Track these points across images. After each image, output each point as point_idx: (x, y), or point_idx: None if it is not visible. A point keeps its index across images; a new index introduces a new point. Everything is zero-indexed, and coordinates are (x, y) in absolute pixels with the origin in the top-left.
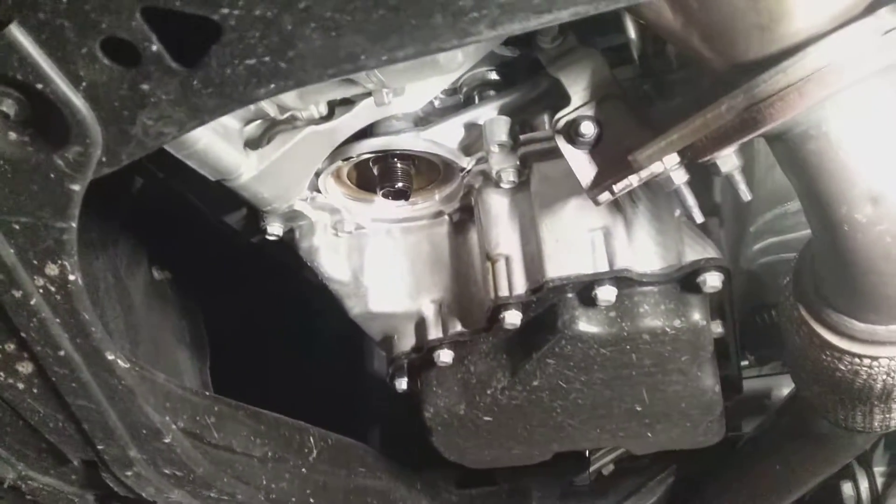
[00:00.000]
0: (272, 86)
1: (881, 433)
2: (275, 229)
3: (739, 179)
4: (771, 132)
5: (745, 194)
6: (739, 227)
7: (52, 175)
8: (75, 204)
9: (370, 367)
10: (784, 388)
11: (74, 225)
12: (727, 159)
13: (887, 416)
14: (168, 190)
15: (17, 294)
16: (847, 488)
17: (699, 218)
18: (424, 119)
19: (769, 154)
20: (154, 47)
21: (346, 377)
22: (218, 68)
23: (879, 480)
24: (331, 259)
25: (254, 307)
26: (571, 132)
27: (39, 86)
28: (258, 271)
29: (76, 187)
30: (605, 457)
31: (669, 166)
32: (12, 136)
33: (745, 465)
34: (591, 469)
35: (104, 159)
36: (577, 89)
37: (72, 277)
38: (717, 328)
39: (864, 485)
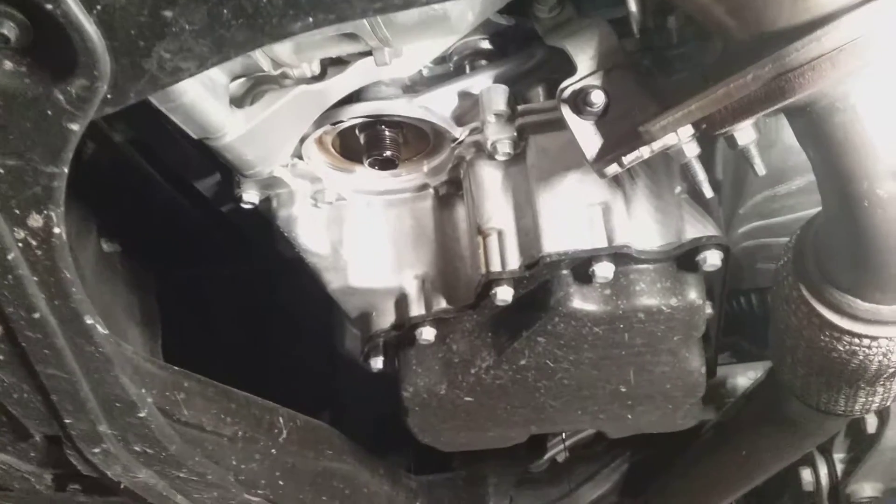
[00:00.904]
0: (310, 19)
1: (859, 416)
2: (251, 197)
3: (755, 153)
4: (795, 104)
5: (760, 168)
6: (730, 209)
7: (50, 111)
8: (71, 146)
9: (330, 347)
10: (738, 377)
11: (66, 170)
12: (745, 132)
13: (870, 398)
14: (119, 157)
15: None
16: (806, 474)
17: (709, 192)
18: (412, 87)
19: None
20: None
21: (307, 356)
22: None
23: (839, 467)
24: (309, 230)
25: (208, 282)
26: (578, 102)
27: (49, 6)
28: (214, 244)
29: (75, 127)
30: (559, 444)
31: (683, 138)
32: (8, 65)
33: (707, 452)
34: (546, 456)
35: (109, 96)
36: (584, 58)
37: (57, 231)
38: (708, 309)
39: (823, 471)
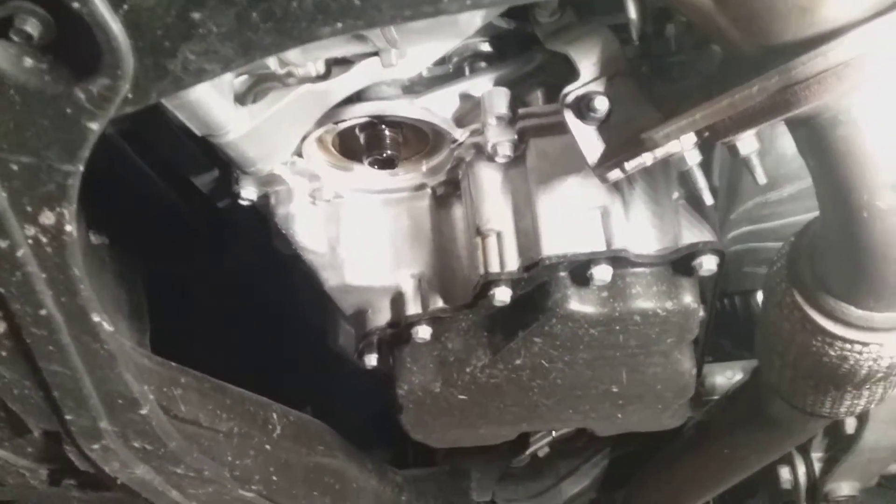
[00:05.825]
0: (339, 24)
1: (842, 418)
2: (249, 193)
3: (756, 163)
4: (798, 115)
5: (761, 177)
6: (723, 214)
7: (69, 110)
8: (89, 145)
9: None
10: (717, 376)
11: (82, 169)
12: (747, 141)
13: (856, 401)
14: (109, 149)
15: (3, 244)
16: (785, 473)
17: (709, 199)
18: (411, 88)
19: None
20: None
21: (287, 350)
22: (284, 0)
23: (817, 466)
24: (307, 228)
25: (196, 276)
26: (581, 107)
27: (75, 4)
28: (203, 239)
29: (94, 126)
30: (541, 440)
31: (686, 146)
32: (28, 62)
33: (689, 449)
34: (528, 451)
35: (130, 95)
36: (587, 64)
37: (68, 228)
38: (701, 312)
39: (801, 470)
